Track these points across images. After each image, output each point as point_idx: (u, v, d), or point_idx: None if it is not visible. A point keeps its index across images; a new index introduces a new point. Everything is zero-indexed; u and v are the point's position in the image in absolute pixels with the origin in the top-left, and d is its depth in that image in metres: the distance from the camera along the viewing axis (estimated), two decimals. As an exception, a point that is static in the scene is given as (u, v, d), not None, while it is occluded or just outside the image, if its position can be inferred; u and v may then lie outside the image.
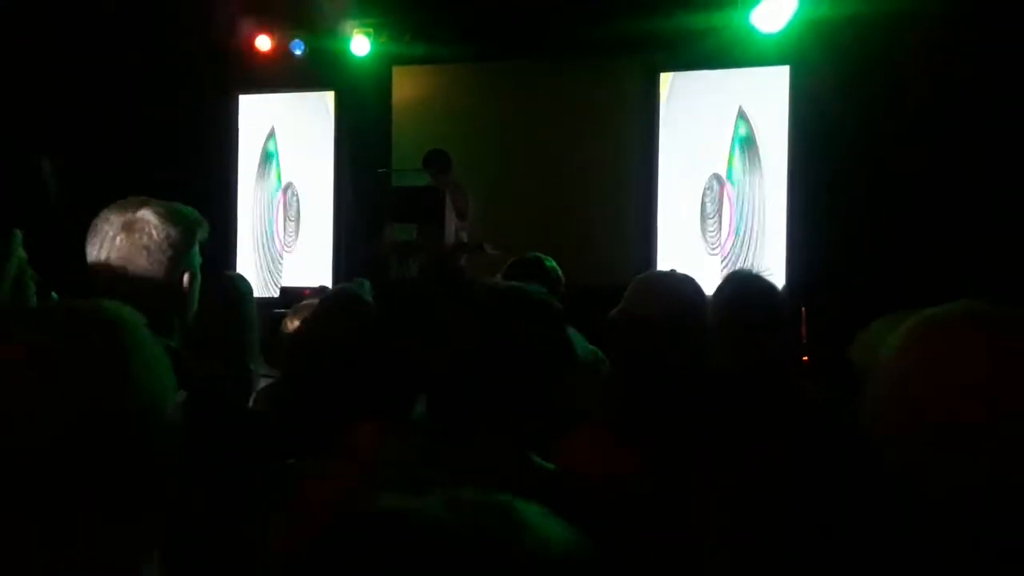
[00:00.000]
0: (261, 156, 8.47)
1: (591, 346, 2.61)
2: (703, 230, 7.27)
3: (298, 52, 7.83)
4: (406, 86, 8.20)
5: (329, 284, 7.78)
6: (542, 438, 1.44)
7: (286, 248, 8.31)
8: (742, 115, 7.14)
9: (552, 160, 7.67)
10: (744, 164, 7.14)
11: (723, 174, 7.21)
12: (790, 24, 6.56)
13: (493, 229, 6.91)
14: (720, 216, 7.21)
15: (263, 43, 7.90)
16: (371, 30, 7.67)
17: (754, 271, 2.39)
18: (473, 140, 7.78)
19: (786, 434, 0.90)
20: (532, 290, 1.44)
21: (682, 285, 2.28)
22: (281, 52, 7.88)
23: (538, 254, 2.96)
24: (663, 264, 7.06)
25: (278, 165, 8.46)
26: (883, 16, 5.98)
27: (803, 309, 4.24)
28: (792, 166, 6.89)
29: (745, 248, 7.06)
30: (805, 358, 3.82)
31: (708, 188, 7.26)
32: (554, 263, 2.80)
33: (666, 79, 7.38)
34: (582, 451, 1.61)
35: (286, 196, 8.39)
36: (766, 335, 2.13)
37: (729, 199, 7.19)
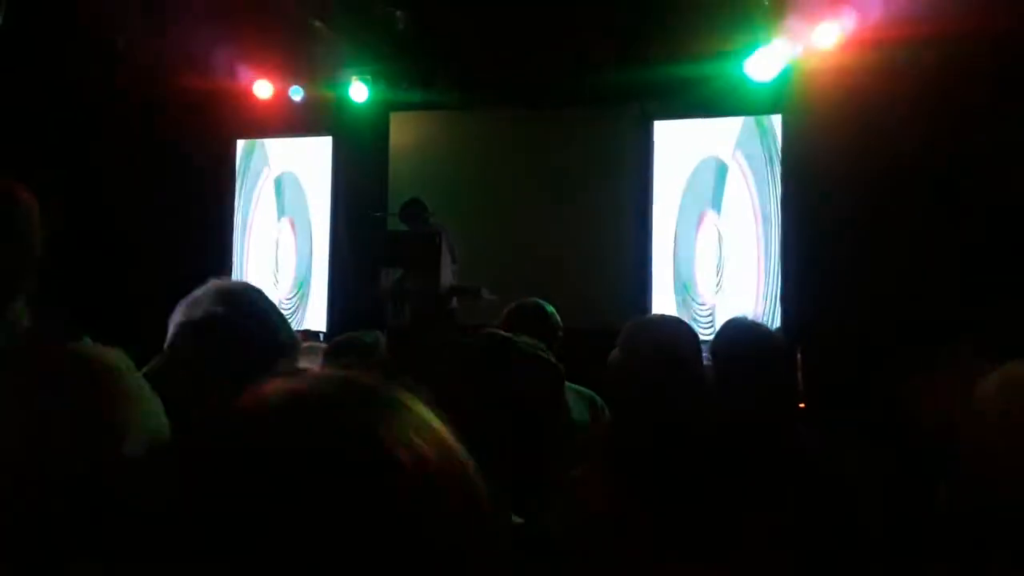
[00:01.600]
0: (264, 199, 8.53)
1: (589, 391, 2.61)
2: (696, 274, 7.30)
3: (296, 98, 7.91)
4: (403, 132, 8.29)
5: (324, 328, 7.77)
6: (523, 492, 1.44)
7: (282, 291, 8.33)
8: (735, 162, 7.21)
9: (547, 205, 7.72)
10: (737, 210, 7.20)
11: (716, 219, 7.26)
12: (782, 74, 6.66)
13: (488, 273, 6.92)
14: (717, 261, 7.24)
15: (262, 89, 7.99)
16: (369, 77, 7.77)
17: (750, 318, 2.41)
18: (469, 185, 7.85)
19: (785, 481, 0.90)
20: (528, 345, 1.44)
21: (675, 328, 2.29)
22: (280, 98, 7.96)
23: (538, 300, 2.97)
24: (657, 308, 7.08)
25: (279, 208, 8.51)
26: (874, 67, 6.09)
27: (799, 355, 4.24)
28: (785, 210, 6.94)
29: (737, 294, 7.08)
30: (802, 404, 3.81)
31: (701, 233, 7.30)
32: (553, 309, 2.81)
33: (660, 126, 7.47)
34: (580, 493, 1.60)
35: (284, 239, 8.43)
36: (763, 382, 2.14)
37: (721, 244, 7.23)
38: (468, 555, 0.44)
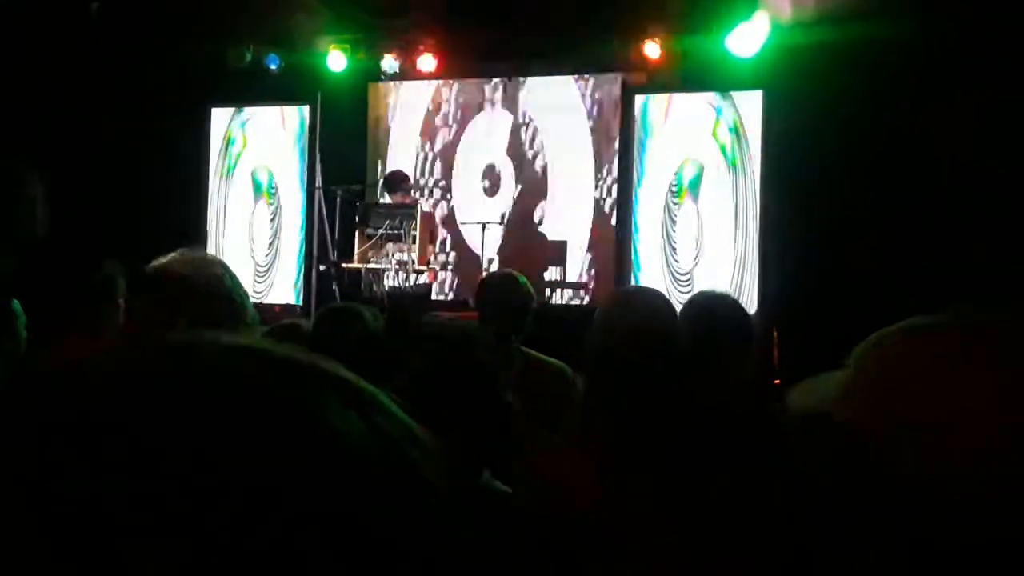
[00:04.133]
0: (240, 168, 8.43)
1: (559, 362, 2.61)
2: (670, 249, 7.30)
3: (273, 67, 7.79)
4: (382, 102, 8.20)
5: (298, 302, 7.72)
6: (490, 459, 1.48)
7: (260, 262, 8.25)
8: (715, 137, 7.20)
9: (527, 177, 7.69)
10: (716, 184, 7.20)
11: (694, 194, 7.26)
12: (764, 49, 6.64)
13: (468, 247, 6.91)
14: (694, 236, 7.25)
15: (238, 57, 7.84)
16: (348, 46, 7.66)
17: (718, 291, 2.41)
18: (450, 156, 7.80)
19: (760, 455, 0.89)
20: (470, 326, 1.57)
21: (655, 300, 2.29)
22: (256, 66, 7.83)
23: (510, 271, 2.97)
24: (634, 281, 7.09)
25: (256, 180, 8.42)
26: (855, 42, 6.08)
27: (775, 332, 4.26)
28: (765, 189, 6.95)
29: (714, 268, 7.09)
30: (777, 381, 3.83)
31: (677, 208, 7.30)
32: (525, 280, 2.80)
33: (640, 101, 7.44)
34: (555, 467, 1.60)
35: (262, 211, 8.35)
36: (733, 353, 2.14)
37: (699, 219, 7.23)
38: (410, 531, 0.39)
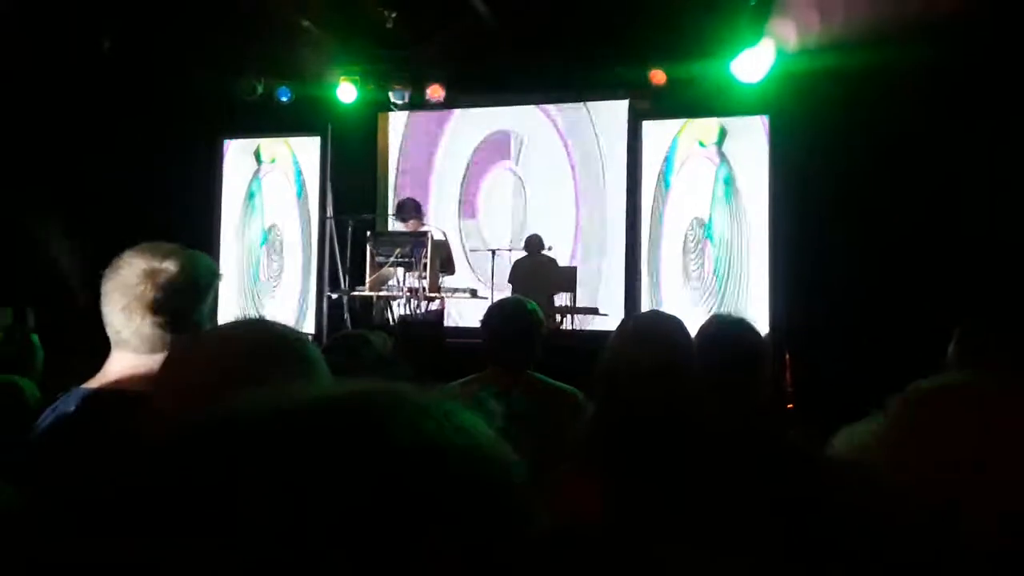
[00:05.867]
0: (246, 199, 8.50)
1: (570, 387, 2.60)
2: (685, 275, 7.31)
3: (284, 99, 7.88)
4: (392, 132, 8.28)
5: (311, 329, 7.75)
6: None
7: (270, 291, 8.29)
8: (724, 163, 7.23)
9: (538, 204, 7.72)
10: (726, 211, 7.21)
11: (704, 219, 7.27)
12: (769, 75, 6.68)
13: (478, 272, 6.92)
14: (702, 261, 7.25)
15: (250, 89, 7.93)
16: (358, 77, 7.75)
17: (734, 314, 2.39)
18: (457, 184, 7.84)
19: (769, 485, 0.90)
20: None
21: (669, 326, 2.28)
22: (268, 98, 7.92)
23: (519, 297, 2.97)
24: (646, 307, 7.08)
25: (263, 209, 8.48)
26: (859, 68, 6.11)
27: (787, 356, 4.25)
28: (773, 213, 6.96)
29: (727, 293, 7.09)
30: (791, 405, 3.82)
31: (690, 232, 7.31)
32: (535, 305, 2.81)
33: (649, 127, 7.49)
34: (561, 495, 1.59)
35: (271, 240, 8.41)
36: (746, 377, 2.11)
37: (710, 244, 7.24)
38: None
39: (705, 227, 7.26)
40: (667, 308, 7.04)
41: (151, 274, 1.54)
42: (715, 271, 7.21)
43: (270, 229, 8.42)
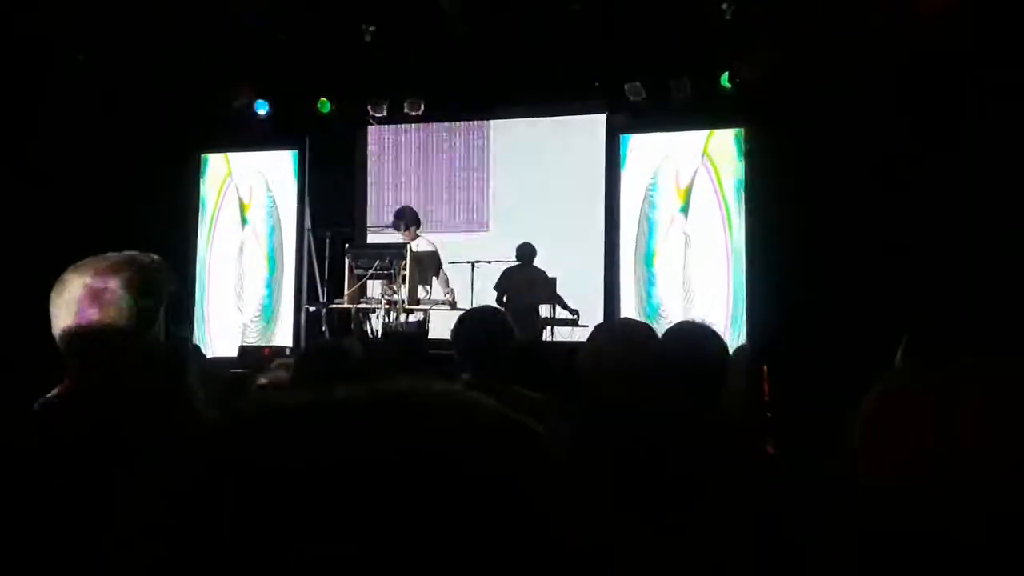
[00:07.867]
0: (229, 214, 8.45)
1: (535, 394, 2.59)
2: (665, 285, 7.34)
3: (262, 112, 7.86)
4: (370, 145, 8.28)
5: (289, 343, 7.70)
6: None
7: (246, 303, 8.24)
8: (700, 174, 7.27)
9: (517, 215, 7.75)
10: (702, 220, 7.26)
11: (682, 229, 7.31)
12: (746, 87, 6.75)
13: (459, 284, 6.92)
14: (682, 270, 7.29)
15: (227, 103, 7.91)
16: (335, 92, 7.75)
17: (696, 320, 2.41)
18: (438, 197, 7.84)
19: (743, 490, 0.90)
20: None
21: (640, 334, 2.29)
22: (246, 112, 7.90)
23: (492, 306, 2.99)
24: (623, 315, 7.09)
25: (244, 223, 8.43)
26: (836, 81, 6.19)
27: (764, 368, 4.27)
28: (751, 224, 7.01)
29: (700, 303, 7.12)
30: (769, 415, 3.84)
31: (665, 242, 7.35)
32: (505, 314, 2.84)
33: (626, 140, 7.53)
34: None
35: (247, 252, 8.36)
36: (705, 385, 2.10)
37: (687, 254, 7.28)
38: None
39: (684, 234, 7.30)
40: (644, 318, 7.07)
41: (96, 295, 1.50)
42: (691, 280, 7.25)
43: (245, 243, 8.37)
